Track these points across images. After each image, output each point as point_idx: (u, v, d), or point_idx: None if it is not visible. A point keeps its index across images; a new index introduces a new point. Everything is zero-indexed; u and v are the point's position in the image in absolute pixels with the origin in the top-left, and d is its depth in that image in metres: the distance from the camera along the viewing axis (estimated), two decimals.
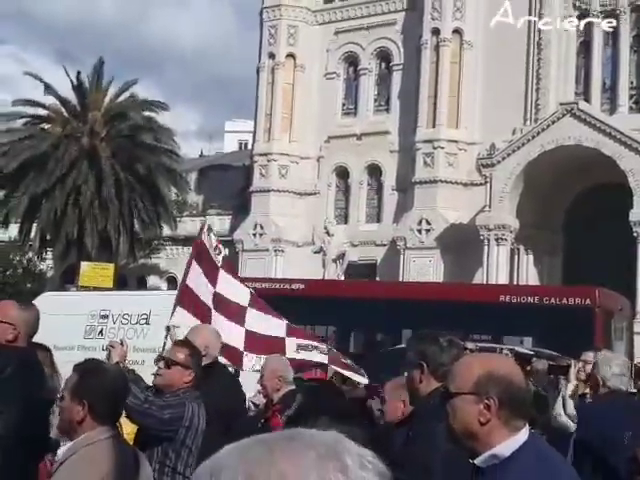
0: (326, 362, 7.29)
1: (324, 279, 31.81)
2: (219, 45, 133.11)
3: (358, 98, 37.38)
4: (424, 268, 32.17)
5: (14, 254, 34.97)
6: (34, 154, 32.97)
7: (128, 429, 4.59)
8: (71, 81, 35.04)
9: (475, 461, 2.45)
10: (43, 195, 32.96)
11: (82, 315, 9.05)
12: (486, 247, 30.57)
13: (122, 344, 4.73)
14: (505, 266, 30.70)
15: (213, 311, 6.73)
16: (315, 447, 0.89)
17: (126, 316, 8.53)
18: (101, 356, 5.46)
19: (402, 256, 33.14)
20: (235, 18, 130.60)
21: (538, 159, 29.61)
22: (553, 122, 29.83)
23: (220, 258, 7.16)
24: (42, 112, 35.60)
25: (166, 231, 36.10)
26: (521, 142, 30.33)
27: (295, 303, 15.45)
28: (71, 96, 35.33)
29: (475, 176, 32.90)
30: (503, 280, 29.47)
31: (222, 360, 5.91)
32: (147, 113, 35.30)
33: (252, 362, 6.65)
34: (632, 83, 32.07)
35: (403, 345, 8.76)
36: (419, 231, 33.01)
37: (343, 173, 37.38)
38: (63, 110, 35.38)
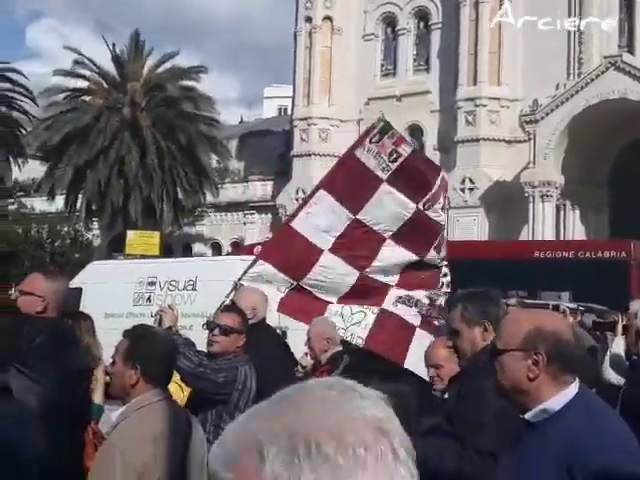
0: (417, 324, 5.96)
1: None
2: (256, 11, 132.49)
3: (397, 59, 37.00)
4: (468, 227, 31.94)
5: (61, 225, 35.53)
6: (76, 126, 33.34)
7: (181, 394, 4.66)
8: (110, 52, 35.27)
9: (525, 416, 2.46)
10: (87, 166, 33.37)
11: (130, 283, 9.16)
12: (531, 204, 30.25)
13: (172, 309, 4.78)
14: (551, 223, 30.38)
15: (326, 252, 5.75)
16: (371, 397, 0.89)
17: (173, 283, 8.62)
18: (149, 322, 5.54)
19: (446, 216, 32.88)
20: None
21: (582, 114, 29.11)
22: (597, 76, 29.25)
23: (393, 167, 5.74)
24: (82, 85, 35.88)
25: (209, 198, 36.35)
26: (565, 97, 29.82)
27: None
28: (110, 68, 35.57)
29: (518, 133, 32.44)
30: (549, 238, 29.17)
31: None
32: (186, 82, 35.38)
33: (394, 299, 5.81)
34: None
35: None
36: (462, 190, 32.74)
37: None
38: (103, 82, 35.63)
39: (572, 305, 13.13)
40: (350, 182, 5.87)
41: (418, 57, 36.71)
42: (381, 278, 5.90)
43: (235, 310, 4.79)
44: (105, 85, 35.57)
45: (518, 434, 2.51)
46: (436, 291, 5.92)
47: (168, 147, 33.53)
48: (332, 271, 5.82)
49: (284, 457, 0.84)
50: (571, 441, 2.34)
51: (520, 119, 32.37)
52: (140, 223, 32.43)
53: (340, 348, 5.63)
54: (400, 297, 5.88)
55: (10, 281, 33.56)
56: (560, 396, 2.43)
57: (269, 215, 40.23)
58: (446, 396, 3.89)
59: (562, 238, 29.89)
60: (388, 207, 5.80)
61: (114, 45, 35.36)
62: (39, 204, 39.25)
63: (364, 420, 0.87)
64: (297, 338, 6.32)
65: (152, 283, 8.76)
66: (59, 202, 35.76)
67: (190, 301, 8.04)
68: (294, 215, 6.15)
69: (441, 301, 5.84)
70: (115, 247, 32.96)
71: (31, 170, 39.50)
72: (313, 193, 6.10)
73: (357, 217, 5.80)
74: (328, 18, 37.47)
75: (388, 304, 5.89)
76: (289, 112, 42.89)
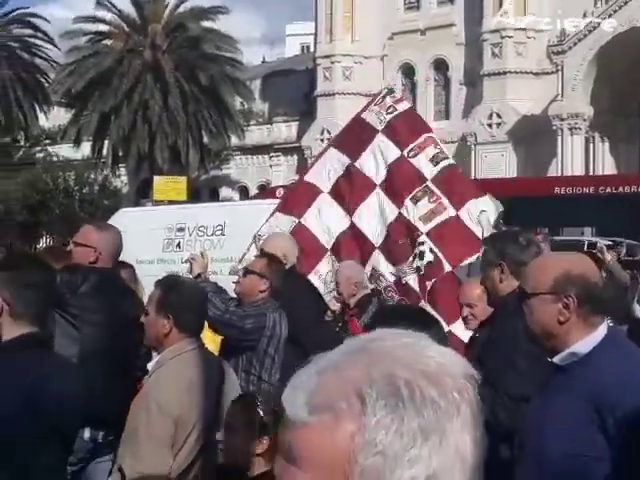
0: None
1: None
2: None
3: None
4: (496, 163, 31.65)
5: (88, 172, 35.69)
6: (99, 71, 33.24)
7: (212, 345, 4.72)
8: None
9: (554, 359, 2.46)
10: (112, 112, 33.34)
11: (159, 229, 9.19)
12: (559, 137, 29.86)
13: (202, 256, 4.82)
14: (580, 156, 30.01)
15: (324, 194, 6.11)
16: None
17: (202, 228, 8.63)
18: (180, 268, 5.60)
19: (473, 152, 32.63)
20: None
21: (611, 42, 28.46)
22: (625, 2, 28.51)
23: (388, 118, 6.18)
24: (103, 28, 35.66)
25: (234, 141, 36.24)
26: (592, 25, 29.17)
27: None
28: (131, 10, 35.27)
29: (546, 64, 31.85)
30: (578, 171, 28.85)
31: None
32: (207, 23, 35.00)
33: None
34: None
35: None
36: (489, 125, 32.37)
37: (408, 71, 36.63)
38: (124, 25, 35.37)
39: (607, 242, 13.03)
40: (354, 137, 6.34)
41: None
42: (367, 231, 6.06)
43: (264, 255, 4.83)
44: (126, 28, 35.32)
45: (547, 378, 2.52)
46: (404, 267, 5.93)
47: (191, 90, 33.36)
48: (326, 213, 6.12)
49: (386, 401, 0.85)
50: (600, 382, 2.34)
51: (547, 50, 31.77)
52: (166, 168, 32.49)
53: (368, 291, 5.68)
54: (372, 274, 5.98)
55: (40, 229, 34.03)
56: (589, 338, 2.43)
57: (295, 157, 40.10)
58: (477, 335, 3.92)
59: (591, 171, 29.55)
60: (378, 155, 6.15)
61: None
62: (65, 151, 39.43)
63: (453, 364, 0.89)
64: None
65: (181, 229, 8.78)
66: (85, 149, 35.86)
67: (219, 246, 8.07)
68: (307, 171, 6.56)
69: (407, 279, 5.85)
70: (143, 193, 33.14)
71: (56, 117, 39.60)
72: (324, 151, 6.58)
73: (354, 164, 6.16)
74: None
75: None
76: (312, 50, 42.38)
